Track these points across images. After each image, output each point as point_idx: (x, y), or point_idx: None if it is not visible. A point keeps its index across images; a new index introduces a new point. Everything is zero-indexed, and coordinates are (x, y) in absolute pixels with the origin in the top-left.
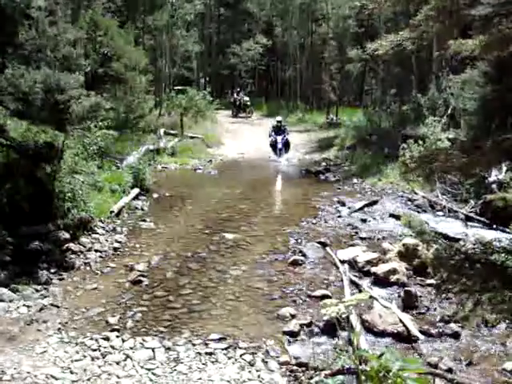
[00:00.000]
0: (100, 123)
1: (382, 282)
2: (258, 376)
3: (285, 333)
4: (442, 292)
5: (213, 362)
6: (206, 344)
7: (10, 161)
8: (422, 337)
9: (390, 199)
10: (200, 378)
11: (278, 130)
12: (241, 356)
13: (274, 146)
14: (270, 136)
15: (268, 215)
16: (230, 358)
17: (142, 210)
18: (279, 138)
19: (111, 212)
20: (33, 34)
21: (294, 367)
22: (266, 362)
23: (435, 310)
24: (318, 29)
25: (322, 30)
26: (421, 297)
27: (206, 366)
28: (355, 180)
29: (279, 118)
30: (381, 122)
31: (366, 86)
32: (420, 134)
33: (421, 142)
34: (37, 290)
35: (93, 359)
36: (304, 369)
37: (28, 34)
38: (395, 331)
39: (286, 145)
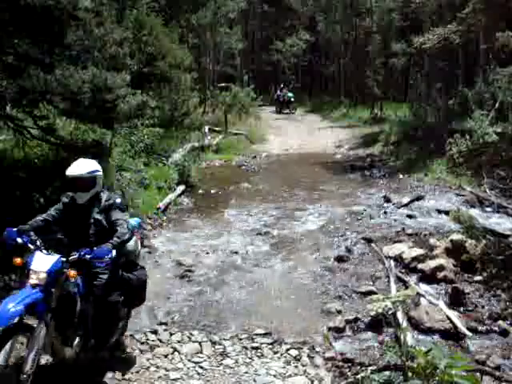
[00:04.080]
0: (146, 121)
1: (428, 278)
2: (304, 371)
3: (330, 328)
4: (491, 288)
5: (259, 357)
6: (252, 339)
7: (60, 159)
8: (469, 334)
9: (436, 195)
10: (246, 372)
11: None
12: (286, 351)
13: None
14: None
15: (313, 211)
16: (275, 353)
17: (188, 205)
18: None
19: (158, 208)
20: (80, 35)
21: (340, 363)
22: (312, 358)
23: (483, 307)
24: (362, 23)
25: (365, 24)
26: (468, 294)
27: (252, 361)
28: (401, 176)
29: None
30: (426, 117)
31: (410, 81)
32: (467, 129)
33: (468, 137)
34: None
35: (141, 352)
36: (350, 364)
37: (76, 35)
38: (442, 328)
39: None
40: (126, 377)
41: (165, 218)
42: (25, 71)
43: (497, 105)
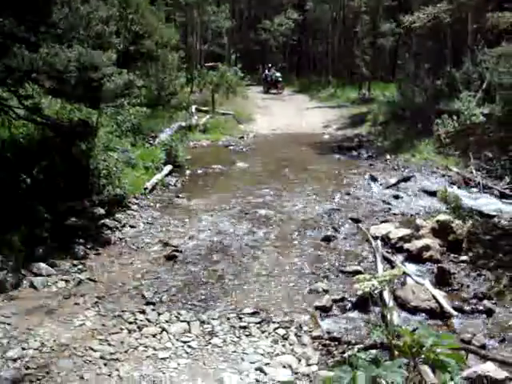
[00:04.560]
0: (133, 100)
1: (415, 258)
2: (292, 350)
3: (317, 308)
4: (477, 268)
5: (247, 336)
6: (240, 318)
7: (46, 139)
8: (455, 313)
9: (423, 175)
10: (235, 351)
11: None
12: (274, 330)
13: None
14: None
15: (300, 191)
16: (263, 332)
17: (175, 186)
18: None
19: (145, 189)
20: (65, 13)
21: (327, 341)
22: (299, 336)
23: (468, 286)
24: (351, 3)
25: (354, 3)
26: (454, 273)
27: (240, 340)
28: (388, 156)
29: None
30: (414, 97)
31: (399, 61)
32: (454, 109)
33: (455, 118)
34: (74, 265)
35: (129, 332)
36: (336, 343)
37: (61, 13)
38: (428, 307)
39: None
40: (115, 356)
41: (152, 198)
42: (10, 50)
43: (484, 86)
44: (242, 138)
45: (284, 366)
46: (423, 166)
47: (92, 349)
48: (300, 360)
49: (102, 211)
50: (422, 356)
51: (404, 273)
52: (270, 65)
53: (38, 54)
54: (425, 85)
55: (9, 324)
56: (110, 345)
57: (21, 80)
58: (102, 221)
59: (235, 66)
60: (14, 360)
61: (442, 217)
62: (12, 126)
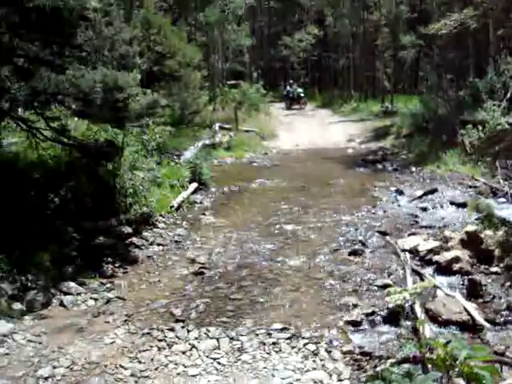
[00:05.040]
0: (157, 120)
1: (444, 270)
2: (322, 365)
3: (347, 322)
4: (508, 279)
5: (276, 352)
6: (269, 334)
7: (73, 159)
8: (487, 325)
9: (449, 187)
10: (265, 367)
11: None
12: (304, 345)
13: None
14: (285, 90)
15: (326, 206)
16: (293, 348)
17: (201, 203)
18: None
19: (171, 207)
20: (90, 35)
21: (358, 356)
22: (330, 352)
23: (500, 298)
24: (370, 16)
25: (374, 17)
26: (485, 285)
27: (269, 356)
28: (413, 168)
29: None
30: (437, 109)
31: (420, 73)
32: (479, 120)
33: (480, 128)
34: (102, 284)
35: (159, 349)
36: (368, 358)
37: (85, 36)
38: (460, 320)
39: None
40: (145, 374)
41: (178, 216)
42: (36, 73)
43: (508, 95)
44: (266, 154)
45: (315, 382)
46: (449, 177)
47: (122, 366)
48: (331, 375)
49: (129, 230)
50: (456, 369)
51: (434, 285)
52: (291, 81)
53: (63, 76)
54: (448, 96)
55: (39, 343)
56: (140, 362)
57: (47, 102)
58: (130, 239)
59: (257, 83)
60: (46, 379)
61: (470, 228)
62: (40, 147)
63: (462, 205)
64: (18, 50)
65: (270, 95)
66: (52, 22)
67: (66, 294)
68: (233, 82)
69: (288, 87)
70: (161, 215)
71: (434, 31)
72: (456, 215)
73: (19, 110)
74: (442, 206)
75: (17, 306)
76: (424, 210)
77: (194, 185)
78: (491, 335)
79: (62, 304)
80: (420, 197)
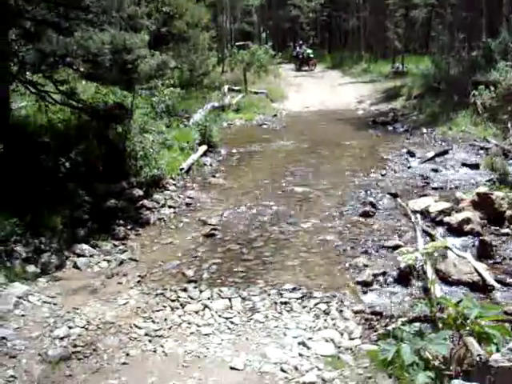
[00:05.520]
0: (166, 82)
1: (455, 231)
2: (334, 324)
3: (358, 283)
4: None
5: (288, 311)
6: (281, 294)
7: (82, 123)
8: (498, 286)
9: (461, 148)
10: (276, 326)
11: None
12: (315, 305)
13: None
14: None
15: (337, 168)
16: (304, 307)
17: (211, 166)
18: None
19: (181, 169)
20: None
21: (369, 316)
22: (341, 311)
23: (511, 259)
24: None
25: None
26: (496, 246)
27: (281, 315)
28: (424, 130)
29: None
30: (449, 69)
31: (432, 33)
32: (491, 80)
33: (492, 88)
34: (115, 246)
35: (172, 309)
36: (379, 317)
37: None
38: (470, 281)
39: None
40: (159, 333)
41: (188, 178)
42: (43, 35)
43: None
44: (276, 116)
45: (327, 341)
46: (460, 138)
47: (137, 326)
48: (342, 334)
49: (140, 192)
50: (467, 328)
51: (446, 246)
52: (301, 42)
53: (71, 38)
54: (460, 56)
55: (55, 304)
56: (154, 322)
57: (56, 65)
58: (141, 202)
59: (266, 44)
60: (61, 338)
61: (482, 189)
62: (49, 111)
63: (474, 166)
64: (25, 13)
65: (279, 56)
66: None
67: (79, 256)
68: (241, 43)
69: (297, 48)
70: (171, 178)
71: None
72: (467, 176)
73: (28, 73)
74: (453, 168)
75: (31, 268)
76: (435, 171)
77: (204, 147)
78: (501, 296)
79: (75, 266)
80: (431, 158)
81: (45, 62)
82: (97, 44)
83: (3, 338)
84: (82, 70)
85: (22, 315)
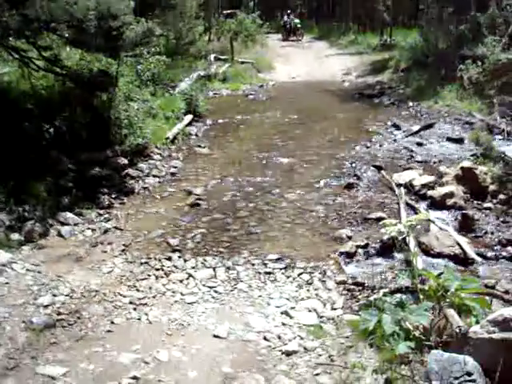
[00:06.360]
0: (152, 49)
1: (438, 205)
2: (316, 294)
3: (341, 254)
4: (500, 214)
5: (272, 281)
6: (265, 264)
7: (66, 90)
8: (478, 259)
9: (446, 122)
10: (260, 296)
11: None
12: (299, 275)
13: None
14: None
15: (322, 139)
16: (288, 277)
17: (197, 135)
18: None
19: (166, 138)
20: None
21: (351, 286)
22: (324, 281)
23: (492, 233)
24: None
25: None
26: (478, 220)
27: (265, 285)
28: (410, 103)
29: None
30: (437, 43)
31: (421, 5)
32: (479, 55)
33: (479, 63)
34: (100, 214)
35: (157, 278)
36: (361, 288)
37: None
38: (452, 253)
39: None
40: (143, 301)
41: (174, 147)
42: (27, 0)
43: (509, 30)
44: (262, 86)
45: (309, 310)
46: (446, 112)
47: (121, 294)
48: (325, 304)
49: (124, 161)
50: (447, 300)
51: (428, 219)
52: (288, 11)
53: (56, 4)
54: (448, 29)
55: (39, 272)
56: (138, 290)
57: (39, 30)
58: (126, 171)
59: (253, 13)
60: (46, 306)
61: (466, 163)
62: (32, 77)
63: (459, 140)
64: None
65: (266, 26)
66: None
67: (63, 224)
68: (229, 11)
69: (285, 18)
70: (156, 147)
71: None
72: (452, 151)
73: (11, 39)
74: (438, 142)
75: (15, 236)
76: (420, 144)
77: (190, 117)
78: (482, 269)
79: (59, 234)
80: (416, 132)
81: (29, 28)
82: (81, 9)
83: None
84: (66, 36)
85: (6, 283)
